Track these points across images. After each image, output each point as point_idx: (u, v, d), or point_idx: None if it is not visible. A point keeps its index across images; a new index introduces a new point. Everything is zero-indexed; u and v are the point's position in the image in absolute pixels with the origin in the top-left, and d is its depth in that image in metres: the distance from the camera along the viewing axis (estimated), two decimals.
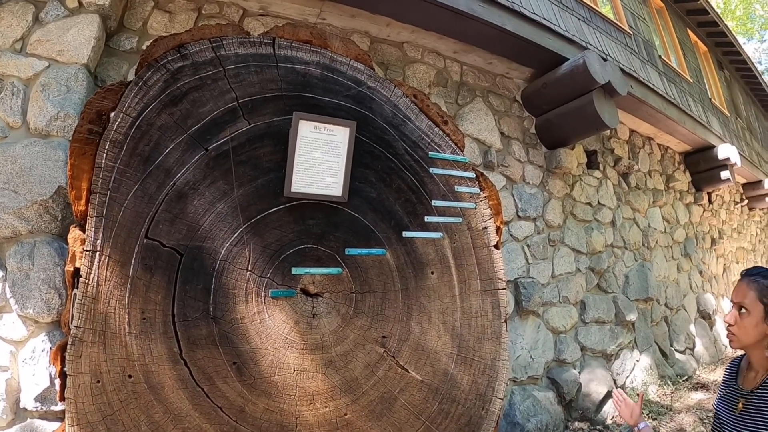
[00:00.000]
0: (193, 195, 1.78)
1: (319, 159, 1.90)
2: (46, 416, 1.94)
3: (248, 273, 1.77)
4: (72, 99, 2.16)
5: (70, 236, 1.72)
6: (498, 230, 2.45)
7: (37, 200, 2.03)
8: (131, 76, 2.38)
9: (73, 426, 1.64)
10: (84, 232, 1.66)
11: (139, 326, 1.67)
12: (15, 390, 1.94)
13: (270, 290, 1.78)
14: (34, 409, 1.92)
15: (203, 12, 2.69)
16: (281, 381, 1.76)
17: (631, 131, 5.17)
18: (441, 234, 2.16)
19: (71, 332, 1.63)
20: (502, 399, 2.25)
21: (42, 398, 1.94)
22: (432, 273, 2.09)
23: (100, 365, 1.63)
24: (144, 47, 2.45)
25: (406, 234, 2.05)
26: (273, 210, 1.86)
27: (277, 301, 1.80)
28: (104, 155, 1.73)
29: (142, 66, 1.84)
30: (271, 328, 1.77)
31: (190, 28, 1.97)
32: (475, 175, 2.42)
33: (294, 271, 1.82)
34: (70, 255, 1.70)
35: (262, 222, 1.83)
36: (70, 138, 1.90)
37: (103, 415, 1.62)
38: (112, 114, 1.75)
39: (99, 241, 1.66)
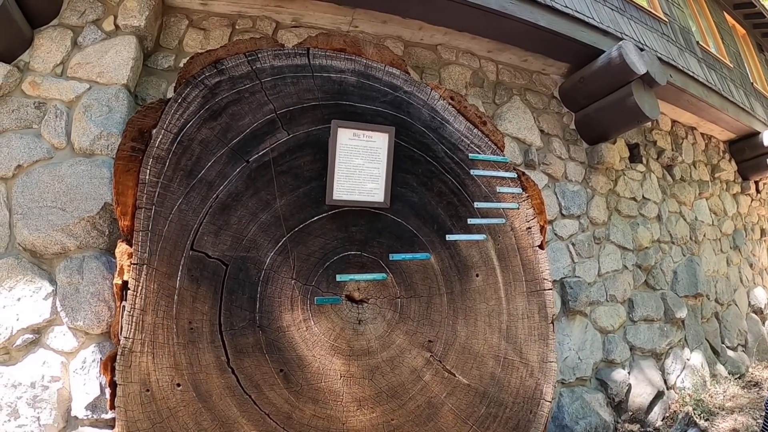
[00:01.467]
0: (236, 206, 1.77)
1: (360, 166, 1.86)
2: (96, 424, 1.97)
3: (293, 281, 1.74)
4: (114, 118, 2.20)
5: (117, 250, 1.73)
6: (542, 230, 2.35)
7: (84, 217, 2.07)
8: (170, 94, 2.40)
9: None
10: (131, 246, 1.67)
11: (187, 336, 1.67)
12: (66, 399, 1.97)
13: (315, 298, 1.75)
14: (85, 418, 1.96)
15: (237, 27, 2.70)
16: (328, 387, 1.72)
17: (673, 122, 4.91)
18: (485, 236, 2.08)
19: (121, 343, 1.64)
20: (550, 402, 2.15)
21: (93, 407, 1.97)
22: (477, 275, 2.01)
23: (149, 374, 1.64)
24: (181, 65, 2.49)
25: (449, 237, 1.99)
26: (315, 218, 1.82)
27: (323, 308, 1.76)
28: (148, 171, 1.74)
29: (181, 83, 1.85)
30: (317, 335, 1.74)
31: (225, 44, 1.97)
32: (516, 175, 2.32)
33: (338, 278, 1.78)
34: (118, 268, 1.72)
35: (305, 231, 1.80)
36: (114, 156, 1.93)
37: (153, 423, 1.63)
38: (154, 131, 1.76)
39: (146, 255, 1.67)
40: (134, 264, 1.66)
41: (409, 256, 1.89)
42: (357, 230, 1.86)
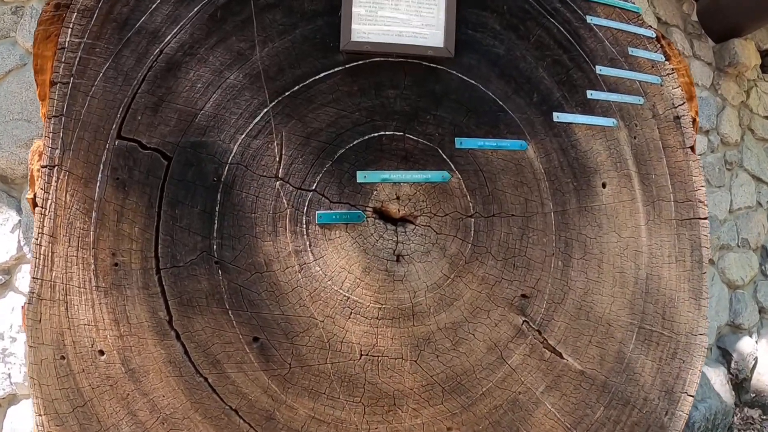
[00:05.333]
0: (190, 64, 0.94)
1: None
2: None
3: (278, 183, 0.90)
4: None
5: (31, 150, 0.97)
6: (694, 123, 1.37)
7: None
8: None
9: (40, 415, 0.96)
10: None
11: (110, 276, 0.91)
12: None
13: (317, 213, 0.90)
14: None
15: None
16: (338, 372, 0.90)
17: None
18: (614, 121, 1.13)
19: (29, 286, 0.88)
20: (692, 397, 1.24)
21: None
22: (603, 185, 1.09)
23: (63, 335, 0.95)
24: None
25: (558, 117, 1.06)
26: (322, 75, 0.96)
27: (331, 232, 0.91)
28: (69, 31, 0.93)
29: None
30: (320, 280, 0.90)
31: None
32: (654, 35, 1.33)
33: (361, 177, 0.92)
34: (29, 176, 0.94)
35: (303, 96, 0.94)
36: None
37: (73, 406, 0.93)
38: None
39: (57, 151, 0.87)
40: (44, 167, 0.88)
41: (490, 143, 0.98)
42: (397, 96, 0.97)
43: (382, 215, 0.93)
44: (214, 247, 0.91)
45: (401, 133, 0.93)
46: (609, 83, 1.19)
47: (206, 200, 0.92)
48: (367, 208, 0.91)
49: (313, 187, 0.92)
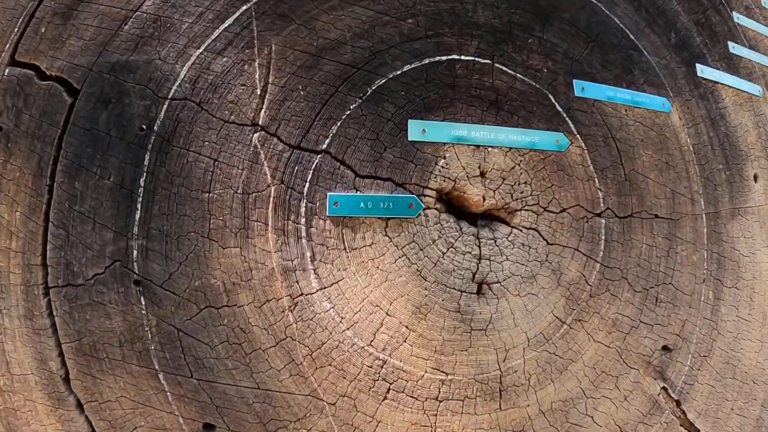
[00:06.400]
0: None
1: None
2: None
3: (256, 135, 0.46)
4: None
5: None
6: None
7: None
8: None
9: None
10: None
11: None
12: None
13: (328, 193, 0.44)
14: None
15: None
16: None
17: None
18: (760, 89, 0.75)
19: None
20: None
21: None
22: (755, 178, 0.70)
23: None
24: None
25: (703, 72, 0.66)
26: None
27: (354, 233, 0.47)
28: None
29: None
30: (331, 326, 0.46)
31: None
32: None
33: (415, 131, 0.48)
34: None
35: None
36: None
37: None
38: None
39: None
40: None
41: (624, 95, 0.57)
42: (475, 4, 0.53)
43: (453, 206, 0.51)
44: (134, 253, 0.47)
45: (487, 61, 0.52)
46: (748, 37, 0.82)
47: (125, 165, 0.47)
48: (426, 191, 0.48)
49: (323, 146, 0.48)
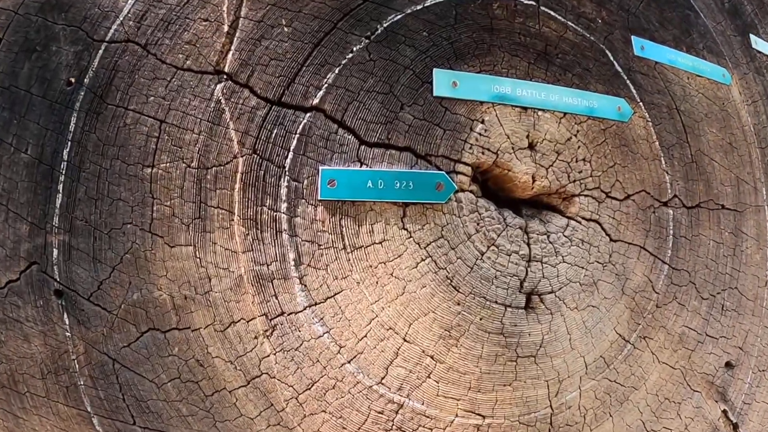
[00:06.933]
0: None
1: None
2: None
3: (220, 87, 0.31)
4: None
5: None
6: None
7: None
8: None
9: None
10: None
11: None
12: None
13: (320, 169, 0.29)
14: None
15: None
16: None
17: None
18: None
19: None
20: None
21: None
22: None
23: None
24: None
25: (757, 44, 0.55)
26: None
27: (358, 225, 0.32)
28: None
29: None
30: (325, 357, 0.32)
31: None
32: None
33: (442, 84, 0.33)
34: None
35: None
36: None
37: None
38: None
39: None
40: None
41: (685, 59, 0.45)
42: None
43: (490, 188, 0.38)
44: (54, 252, 0.32)
45: (532, 2, 0.39)
46: None
47: (46, 132, 0.33)
48: (459, 166, 0.35)
49: (314, 101, 0.35)
